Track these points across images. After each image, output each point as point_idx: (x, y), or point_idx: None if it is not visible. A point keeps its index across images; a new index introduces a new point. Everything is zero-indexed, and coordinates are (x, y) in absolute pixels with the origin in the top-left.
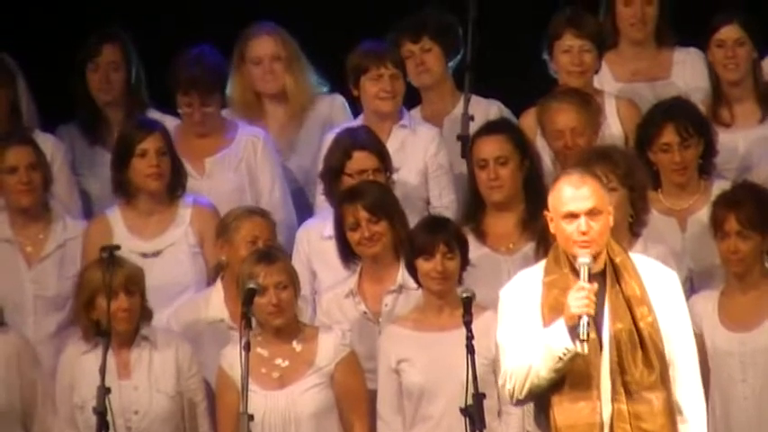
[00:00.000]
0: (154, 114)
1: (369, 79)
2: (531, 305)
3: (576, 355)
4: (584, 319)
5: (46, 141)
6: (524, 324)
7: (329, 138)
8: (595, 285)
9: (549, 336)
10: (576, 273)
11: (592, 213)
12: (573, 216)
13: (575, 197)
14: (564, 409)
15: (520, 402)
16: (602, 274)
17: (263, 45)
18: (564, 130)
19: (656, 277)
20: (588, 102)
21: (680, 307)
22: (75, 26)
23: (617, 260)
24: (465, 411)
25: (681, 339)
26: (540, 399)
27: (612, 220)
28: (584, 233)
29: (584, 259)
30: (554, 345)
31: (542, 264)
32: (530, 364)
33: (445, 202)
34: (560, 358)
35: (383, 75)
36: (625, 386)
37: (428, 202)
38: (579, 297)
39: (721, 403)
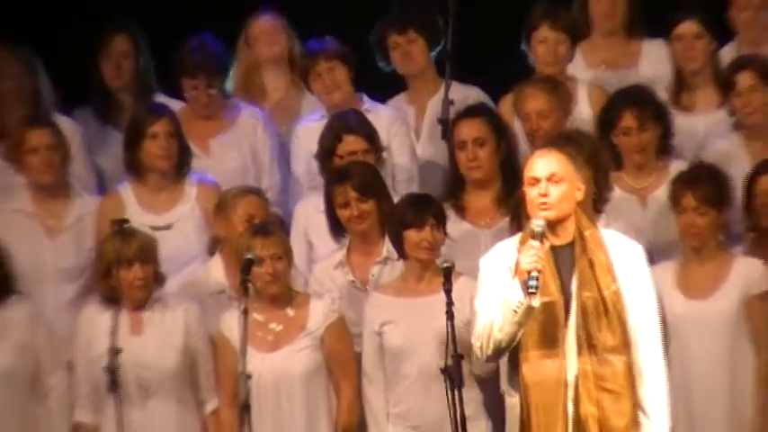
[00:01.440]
0: (161, 98)
1: (312, 79)
2: (506, 273)
3: (531, 308)
4: (533, 274)
5: (64, 124)
6: (498, 290)
7: (301, 126)
8: (546, 245)
9: (506, 291)
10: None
11: (551, 179)
12: (535, 180)
13: (538, 164)
14: (532, 367)
15: (489, 359)
16: (572, 245)
17: (265, 20)
18: (531, 113)
19: (622, 250)
20: (556, 88)
21: (644, 277)
22: (88, 18)
23: (586, 233)
24: (444, 371)
25: (643, 307)
26: (512, 359)
27: (581, 194)
28: (542, 195)
29: (537, 221)
30: (509, 298)
31: (518, 236)
32: (492, 320)
33: (412, 176)
34: (515, 311)
35: (321, 71)
36: (590, 349)
37: (393, 178)
38: (529, 254)
39: (679, 366)
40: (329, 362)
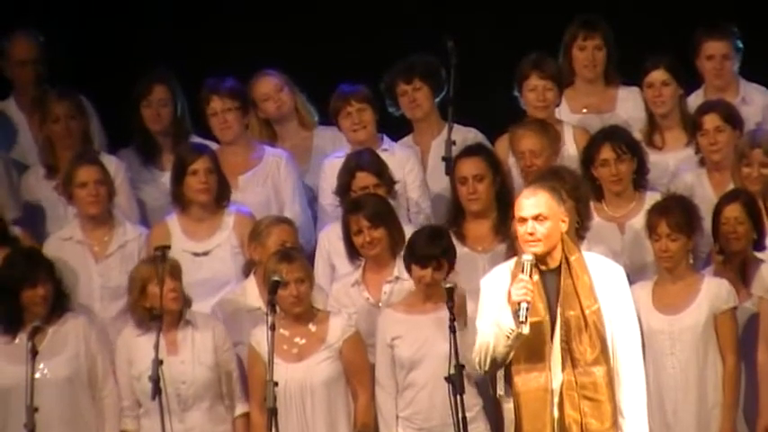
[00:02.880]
0: (196, 140)
1: (342, 117)
2: (503, 291)
3: (521, 334)
4: (523, 305)
5: (110, 162)
6: (496, 309)
7: (328, 161)
8: (535, 278)
9: (499, 319)
10: (534, 269)
11: (538, 219)
12: (523, 220)
13: (525, 205)
14: (522, 378)
15: (486, 373)
16: (559, 268)
17: (268, 82)
18: (525, 151)
19: (604, 271)
20: (546, 129)
21: (625, 295)
22: (130, 69)
23: (572, 258)
24: (449, 379)
25: (623, 322)
26: (506, 370)
27: (566, 225)
28: (529, 234)
29: (526, 257)
30: (503, 326)
31: (514, 260)
32: (488, 342)
33: (422, 208)
34: (507, 337)
35: (351, 111)
36: (572, 361)
37: (408, 209)
38: (519, 287)
39: (654, 373)
40: (347, 371)
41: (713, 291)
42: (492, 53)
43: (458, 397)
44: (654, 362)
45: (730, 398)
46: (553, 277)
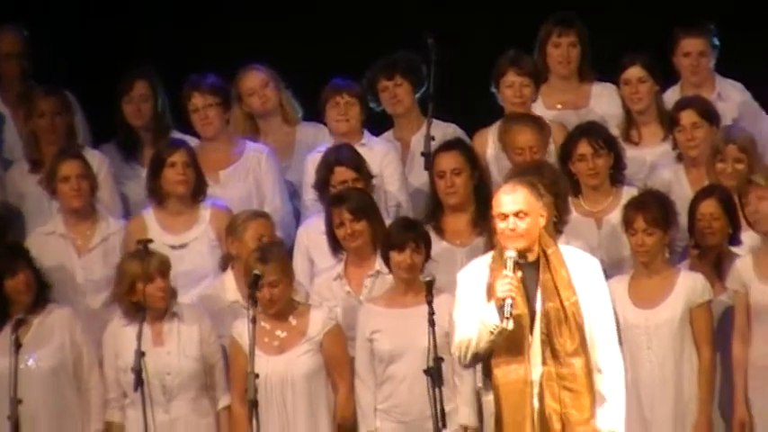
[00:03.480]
0: (177, 135)
1: (330, 107)
2: (480, 285)
3: (504, 330)
4: (508, 301)
5: (93, 156)
6: (474, 303)
7: (311, 157)
8: (518, 274)
9: (483, 315)
10: (517, 265)
11: (518, 215)
12: (504, 216)
13: (506, 201)
14: (502, 371)
15: (467, 366)
16: (537, 262)
17: (254, 76)
18: (524, 147)
19: (581, 264)
20: (542, 125)
21: (601, 287)
22: (113, 66)
23: (549, 252)
24: (427, 372)
25: (600, 313)
26: (486, 362)
27: (544, 220)
28: (511, 230)
29: (509, 253)
30: (487, 322)
31: (491, 253)
32: (470, 337)
33: (400, 201)
34: (491, 333)
35: (339, 102)
36: (552, 353)
37: (385, 203)
38: (503, 284)
39: (631, 366)
40: (327, 364)
41: (689, 285)
42: (470, 50)
43: (436, 390)
44: (630, 356)
45: (706, 391)
46: (532, 270)
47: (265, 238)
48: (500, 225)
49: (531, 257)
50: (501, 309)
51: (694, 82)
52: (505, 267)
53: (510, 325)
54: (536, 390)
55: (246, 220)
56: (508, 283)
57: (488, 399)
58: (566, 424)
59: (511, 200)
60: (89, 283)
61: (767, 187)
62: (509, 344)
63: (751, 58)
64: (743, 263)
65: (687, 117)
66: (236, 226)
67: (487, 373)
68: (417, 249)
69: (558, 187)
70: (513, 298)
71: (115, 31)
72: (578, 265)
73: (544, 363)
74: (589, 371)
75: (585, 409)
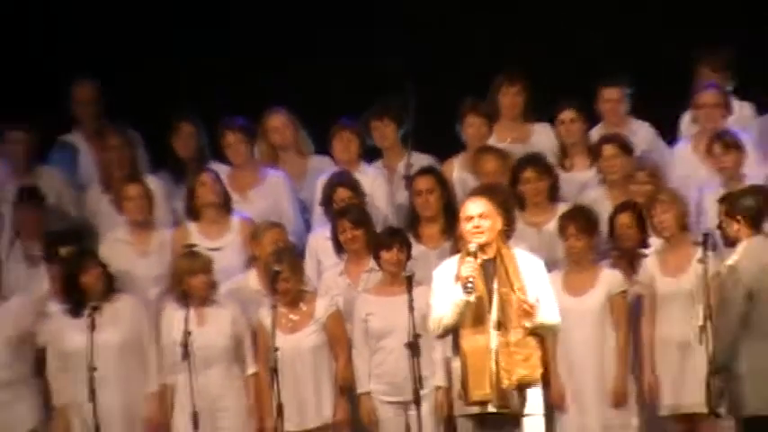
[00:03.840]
0: (213, 165)
1: (336, 140)
2: (450, 277)
3: (468, 303)
4: (471, 280)
5: (151, 181)
6: (445, 291)
7: (319, 181)
8: (478, 261)
9: (451, 294)
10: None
11: (482, 216)
12: (470, 218)
13: (472, 207)
14: (467, 341)
15: (439, 337)
16: (494, 259)
17: (276, 117)
18: (492, 172)
19: (528, 262)
20: (506, 156)
21: (543, 279)
22: (165, 109)
23: (503, 251)
24: (408, 345)
25: (544, 295)
26: (454, 336)
27: (500, 225)
28: (476, 227)
29: (472, 245)
30: (454, 299)
31: (458, 255)
32: (441, 313)
33: (386, 214)
34: (458, 305)
35: (343, 138)
36: (506, 326)
37: (376, 215)
38: (466, 267)
39: (564, 341)
40: (330, 340)
41: (609, 278)
42: (441, 97)
43: (415, 359)
44: (564, 332)
45: (622, 362)
46: (490, 265)
47: (280, 243)
48: (466, 226)
49: (490, 255)
50: (464, 286)
51: (613, 122)
52: (469, 255)
53: (472, 298)
54: (494, 355)
55: (265, 229)
56: (470, 266)
57: (456, 364)
58: (515, 380)
59: (476, 205)
60: (147, 279)
61: (669, 203)
62: (473, 319)
63: (657, 103)
64: (650, 261)
65: (608, 150)
66: (257, 233)
67: (456, 344)
68: (401, 250)
69: (507, 204)
70: (473, 278)
71: (167, 82)
72: (527, 263)
73: (499, 334)
74: (534, 335)
75: (535, 368)
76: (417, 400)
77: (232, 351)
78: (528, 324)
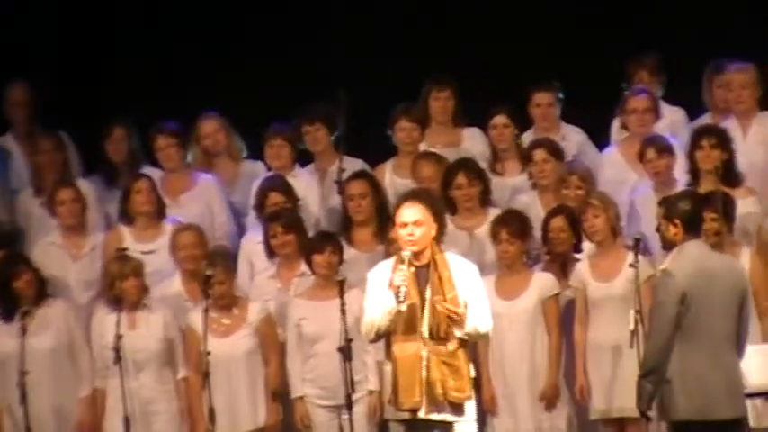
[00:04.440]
0: (146, 169)
1: (267, 147)
2: (384, 281)
3: (399, 311)
4: (402, 289)
5: (83, 184)
6: (379, 294)
7: (254, 185)
8: (412, 269)
9: (383, 299)
10: (411, 262)
11: (416, 224)
12: (404, 224)
13: (407, 213)
14: (399, 346)
15: (372, 341)
16: (428, 265)
17: (209, 124)
18: (428, 177)
19: (461, 268)
20: (441, 160)
21: (477, 284)
22: (98, 113)
23: (437, 257)
24: (340, 349)
25: (477, 300)
26: (387, 341)
27: (434, 232)
28: (409, 235)
29: (405, 253)
30: (386, 306)
31: (393, 258)
32: (374, 318)
33: (318, 218)
34: (389, 313)
35: (274, 145)
36: (437, 334)
37: (307, 219)
38: (399, 275)
39: (496, 345)
40: (262, 344)
41: (541, 282)
42: (373, 102)
43: (347, 363)
44: (496, 336)
45: (554, 363)
46: (424, 271)
47: (195, 248)
48: (401, 232)
49: (424, 261)
50: (396, 294)
51: (544, 127)
52: (402, 263)
53: (403, 307)
54: (424, 363)
55: (179, 232)
56: (403, 275)
57: (388, 369)
58: (445, 390)
59: (411, 212)
60: (80, 283)
61: (600, 207)
62: (405, 326)
63: (589, 108)
64: (582, 265)
65: (539, 154)
66: (173, 240)
67: (388, 349)
68: (333, 253)
69: (437, 208)
70: (406, 286)
71: (99, 86)
72: (459, 269)
73: (431, 341)
74: (465, 350)
75: (464, 380)
76: (350, 404)
77: (164, 355)
78: (458, 332)
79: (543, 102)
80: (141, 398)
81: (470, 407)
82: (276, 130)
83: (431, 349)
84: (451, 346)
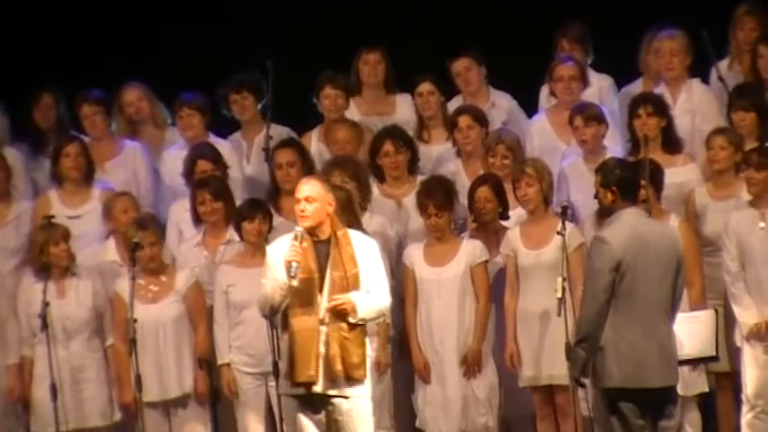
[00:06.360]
0: (73, 134)
1: (177, 119)
2: (281, 255)
3: (291, 287)
4: (294, 264)
5: (8, 151)
6: (276, 269)
7: (166, 154)
8: (304, 244)
9: (277, 275)
10: (304, 238)
11: (308, 200)
12: (298, 200)
13: (300, 189)
14: (297, 320)
15: (266, 317)
16: (328, 240)
17: (132, 92)
18: (341, 142)
19: (363, 244)
20: (355, 126)
21: (376, 260)
22: (24, 80)
23: (339, 233)
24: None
25: (376, 277)
26: (284, 314)
27: (332, 208)
28: (301, 211)
29: (298, 228)
30: (279, 281)
31: (293, 233)
32: (267, 293)
33: (241, 185)
34: (281, 288)
35: (182, 116)
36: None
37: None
38: (291, 251)
39: (425, 312)
40: (189, 311)
41: (469, 249)
42: (300, 70)
43: (274, 330)
44: (425, 303)
45: (480, 328)
46: (324, 246)
47: (131, 211)
48: (296, 207)
49: (324, 236)
50: (288, 270)
51: (470, 92)
52: (295, 239)
53: (294, 283)
54: (323, 337)
55: (113, 199)
56: (294, 250)
57: (284, 343)
58: (346, 365)
59: (305, 188)
60: (4, 251)
61: (535, 177)
62: (303, 300)
63: (519, 76)
64: (512, 233)
65: (463, 121)
66: (108, 205)
67: (285, 323)
68: (263, 221)
69: (359, 175)
70: (297, 262)
71: (25, 52)
72: (361, 245)
73: (330, 318)
74: (363, 326)
75: (359, 354)
76: (276, 372)
77: (93, 322)
78: (352, 320)
79: (461, 68)
80: (71, 365)
81: (366, 383)
82: (184, 99)
83: (330, 324)
84: (352, 319)
